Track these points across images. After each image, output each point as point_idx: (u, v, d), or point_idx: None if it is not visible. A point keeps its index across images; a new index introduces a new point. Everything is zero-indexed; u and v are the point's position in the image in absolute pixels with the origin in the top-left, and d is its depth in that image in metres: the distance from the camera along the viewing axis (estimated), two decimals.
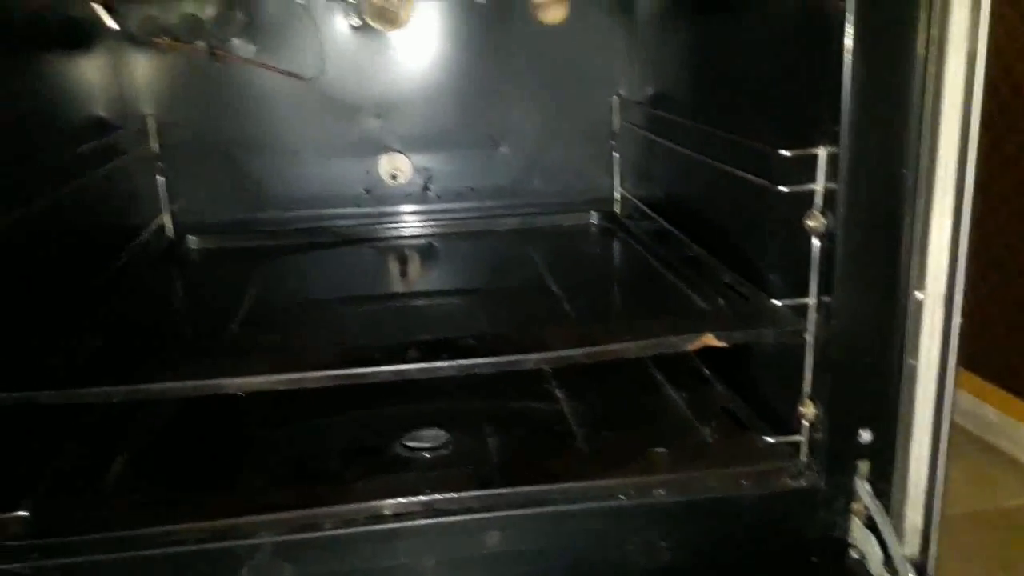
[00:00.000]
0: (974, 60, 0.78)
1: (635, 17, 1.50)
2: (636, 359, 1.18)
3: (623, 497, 0.90)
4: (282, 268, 1.43)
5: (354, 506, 0.88)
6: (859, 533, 0.91)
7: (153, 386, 0.90)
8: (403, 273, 1.45)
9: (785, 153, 0.86)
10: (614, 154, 1.59)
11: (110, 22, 1.32)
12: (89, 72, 1.34)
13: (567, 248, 1.50)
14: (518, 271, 1.39)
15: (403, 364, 0.89)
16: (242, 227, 1.55)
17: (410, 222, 1.59)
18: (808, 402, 0.91)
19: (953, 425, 0.89)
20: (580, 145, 1.59)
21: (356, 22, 1.44)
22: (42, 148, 1.11)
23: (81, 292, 1.16)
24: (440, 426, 1.06)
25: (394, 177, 1.55)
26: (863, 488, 0.90)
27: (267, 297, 1.27)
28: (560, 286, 1.26)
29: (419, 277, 1.44)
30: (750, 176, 0.96)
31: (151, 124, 1.49)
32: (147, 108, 1.48)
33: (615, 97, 1.57)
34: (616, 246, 1.48)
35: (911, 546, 0.92)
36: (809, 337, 0.90)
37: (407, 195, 1.59)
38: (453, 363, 0.89)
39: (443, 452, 1.02)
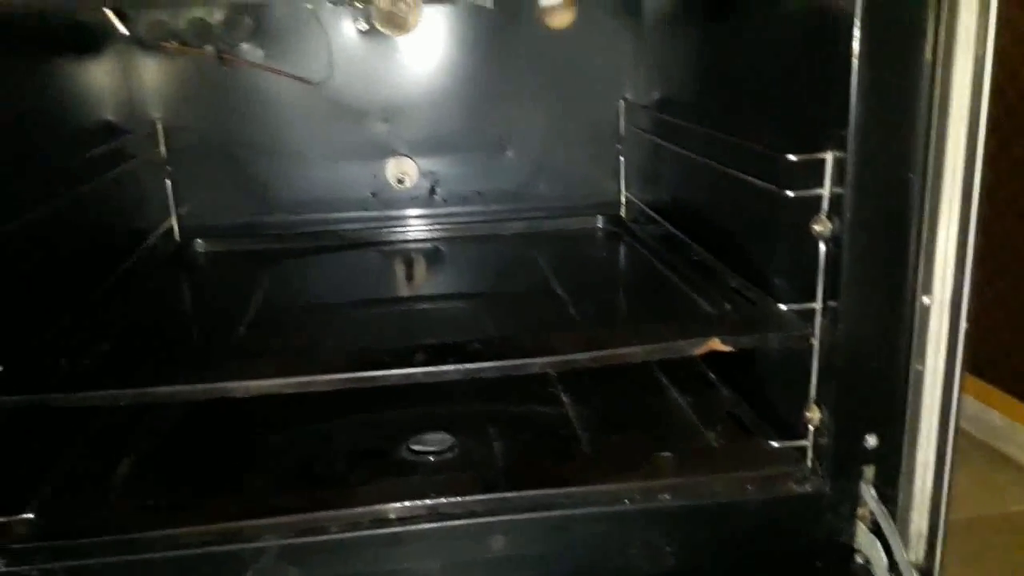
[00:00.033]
0: (982, 64, 0.78)
1: (641, 21, 1.50)
2: (641, 363, 1.18)
3: (628, 501, 0.90)
4: (289, 271, 1.44)
5: (359, 510, 0.88)
6: (864, 538, 0.91)
7: (160, 389, 0.90)
8: (409, 277, 1.45)
9: (792, 158, 0.86)
10: (620, 158, 1.59)
11: (122, 28, 1.32)
12: (98, 76, 1.34)
13: (573, 252, 1.50)
14: (524, 275, 1.39)
15: (410, 368, 0.89)
16: (249, 230, 1.55)
17: (416, 226, 1.59)
18: (814, 407, 0.91)
19: (958, 430, 0.89)
20: (586, 149, 1.59)
21: (363, 26, 1.45)
22: (52, 152, 1.12)
23: (89, 295, 1.16)
24: (445, 430, 1.06)
25: (401, 181, 1.56)
26: (868, 493, 0.90)
27: (274, 300, 1.28)
28: (566, 290, 1.26)
29: (425, 281, 1.44)
30: (756, 180, 0.96)
31: (159, 128, 1.49)
32: (156, 112, 1.49)
33: (621, 101, 1.57)
34: (622, 250, 1.48)
35: (916, 551, 0.92)
36: (815, 342, 0.89)
37: (413, 199, 1.59)
38: (460, 367, 0.89)
39: (448, 456, 1.02)
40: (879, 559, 0.89)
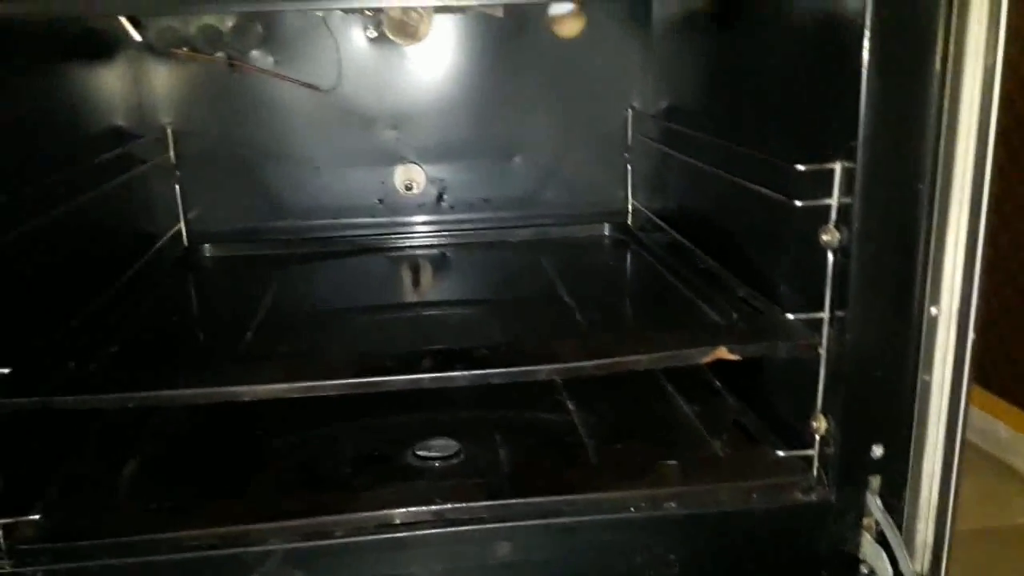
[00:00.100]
0: (991, 74, 0.78)
1: (650, 31, 1.51)
2: (647, 371, 1.18)
3: (633, 509, 0.90)
4: (296, 277, 1.44)
5: (364, 514, 0.88)
6: (870, 548, 0.91)
7: (168, 392, 0.91)
8: (416, 283, 1.45)
9: (801, 168, 0.86)
10: (627, 166, 1.60)
11: (136, 35, 1.33)
12: (109, 82, 1.35)
13: (579, 259, 1.50)
14: (531, 282, 1.39)
15: (417, 373, 0.89)
16: (257, 236, 1.56)
17: (424, 232, 1.59)
18: (820, 416, 0.90)
19: (965, 441, 0.89)
20: (594, 157, 1.60)
21: (373, 34, 1.45)
22: (63, 156, 1.12)
23: (97, 298, 1.16)
24: (451, 436, 1.06)
25: (409, 188, 1.56)
26: (874, 503, 0.90)
27: (281, 305, 1.28)
28: (572, 297, 1.26)
29: (432, 287, 1.44)
30: (765, 190, 0.96)
31: (169, 133, 1.50)
32: (166, 118, 1.49)
33: (629, 110, 1.57)
34: (629, 258, 1.49)
35: (922, 562, 0.92)
36: (823, 351, 0.89)
37: (421, 205, 1.60)
38: (467, 373, 0.89)
39: (454, 462, 1.02)
40: (884, 569, 0.89)
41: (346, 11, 1.39)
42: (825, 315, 0.88)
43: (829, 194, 0.84)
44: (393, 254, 1.56)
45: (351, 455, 1.04)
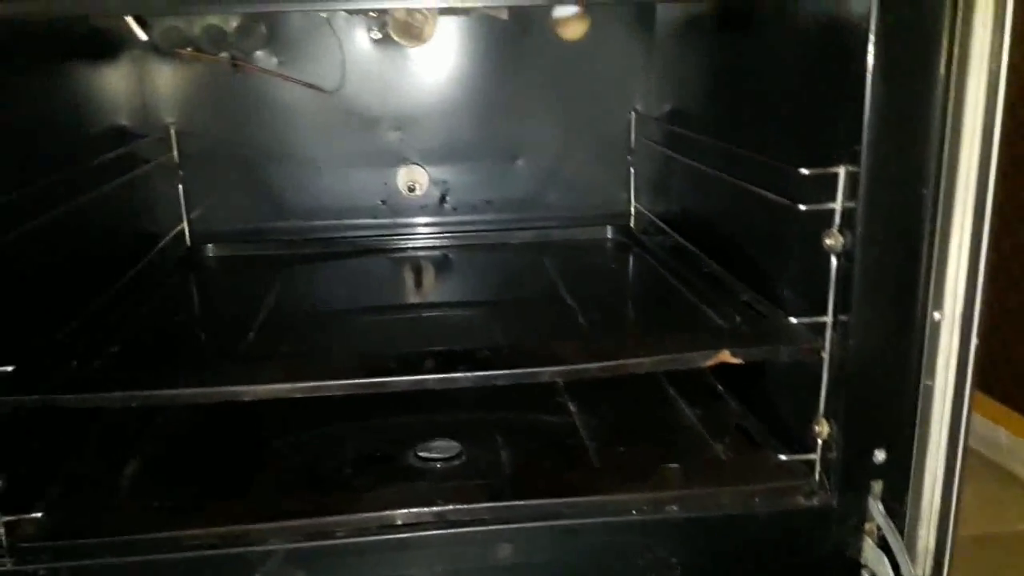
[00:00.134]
0: (996, 80, 0.78)
1: (653, 34, 1.51)
2: (649, 374, 1.18)
3: (635, 512, 0.90)
4: (299, 277, 1.44)
5: (366, 515, 0.88)
6: (871, 553, 0.91)
7: (170, 392, 0.91)
8: (418, 284, 1.45)
9: (805, 172, 0.86)
10: (630, 169, 1.60)
11: (142, 34, 1.33)
12: (113, 82, 1.35)
13: (582, 262, 1.50)
14: (533, 284, 1.40)
15: (420, 374, 0.89)
16: (259, 236, 1.56)
17: (426, 234, 1.60)
18: (823, 420, 0.90)
19: (968, 447, 0.89)
20: (597, 160, 1.60)
21: (377, 35, 1.45)
22: (66, 155, 1.12)
23: (100, 297, 1.16)
24: (452, 437, 1.06)
25: (411, 189, 1.56)
26: (876, 508, 0.90)
27: (284, 306, 1.28)
28: (575, 299, 1.26)
29: (434, 288, 1.44)
30: (768, 193, 0.96)
31: (172, 133, 1.50)
32: (169, 117, 1.50)
33: (632, 113, 1.57)
34: (631, 261, 1.49)
35: (923, 568, 0.92)
36: (825, 355, 0.89)
37: (423, 207, 1.60)
38: (469, 375, 0.89)
39: (455, 463, 1.02)
40: (886, 574, 0.89)
41: (351, 12, 1.39)
42: (828, 319, 0.88)
43: (833, 198, 0.84)
44: (395, 255, 1.56)
45: (352, 456, 1.04)
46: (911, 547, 0.91)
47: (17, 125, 1.01)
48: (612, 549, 0.90)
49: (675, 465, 0.96)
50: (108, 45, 1.35)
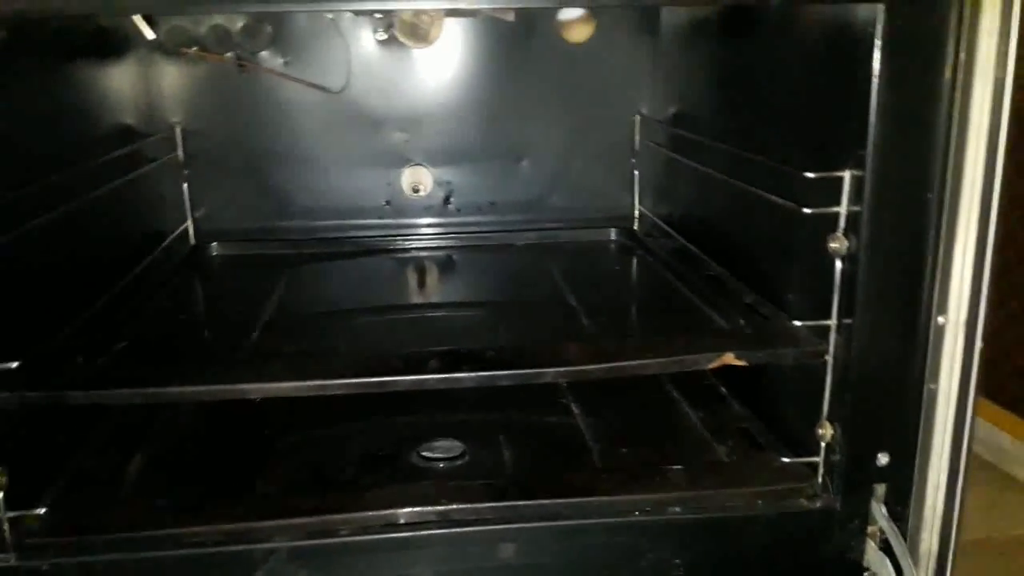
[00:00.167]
0: (1001, 86, 0.78)
1: (659, 37, 1.51)
2: (652, 376, 1.19)
3: (638, 513, 0.90)
4: (303, 277, 1.44)
5: (369, 514, 0.88)
6: (874, 556, 0.91)
7: (176, 389, 0.91)
8: (422, 285, 1.45)
9: (810, 175, 0.86)
10: (634, 172, 1.60)
11: (150, 33, 1.34)
12: (119, 81, 1.36)
13: (586, 264, 1.50)
14: (537, 285, 1.40)
15: (425, 374, 0.89)
16: (264, 235, 1.56)
17: (430, 234, 1.60)
18: (826, 423, 0.91)
19: (971, 451, 0.89)
20: (601, 162, 1.60)
21: (382, 36, 1.45)
22: (72, 154, 1.12)
23: (105, 295, 1.17)
24: (456, 437, 1.06)
25: (416, 190, 1.56)
26: (879, 511, 0.90)
27: (288, 305, 1.28)
28: (579, 301, 1.26)
29: (438, 289, 1.44)
30: (773, 197, 0.96)
31: (178, 132, 1.50)
32: (174, 117, 1.50)
33: (637, 115, 1.57)
34: (635, 263, 1.49)
35: (926, 571, 0.92)
36: (829, 359, 0.90)
37: (427, 208, 1.60)
38: (474, 375, 0.89)
39: (458, 463, 1.03)
40: None
41: (357, 13, 1.39)
42: (832, 322, 0.88)
43: (838, 202, 0.85)
44: (399, 256, 1.56)
45: (356, 455, 1.05)
46: (914, 550, 0.91)
47: (25, 123, 1.02)
48: (615, 550, 0.91)
49: (678, 467, 0.96)
50: (114, 44, 1.35)
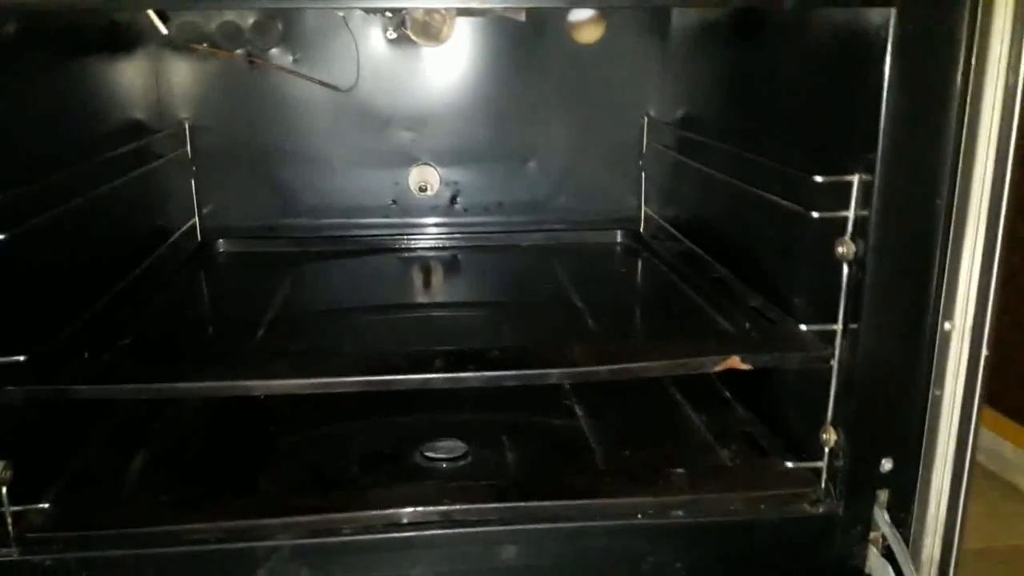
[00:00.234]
0: (1012, 93, 0.78)
1: (668, 39, 1.51)
2: (656, 379, 1.18)
3: (640, 516, 0.90)
4: (309, 275, 1.44)
5: (372, 513, 0.88)
6: (876, 562, 0.91)
7: (183, 385, 0.91)
8: (427, 284, 1.45)
9: (819, 179, 0.86)
10: (642, 174, 1.60)
11: (163, 28, 1.34)
12: (130, 76, 1.36)
13: (591, 265, 1.50)
14: (542, 286, 1.39)
15: (430, 373, 0.89)
16: (270, 233, 1.56)
17: (436, 234, 1.60)
18: (830, 428, 0.90)
19: (975, 458, 0.89)
20: (608, 164, 1.60)
21: (393, 35, 1.46)
22: (82, 149, 1.13)
23: (111, 290, 1.17)
24: (459, 437, 1.06)
25: (423, 189, 1.56)
26: (882, 517, 0.90)
27: (293, 303, 1.28)
28: (584, 302, 1.26)
29: (443, 289, 1.44)
30: (781, 200, 0.96)
31: (186, 128, 1.50)
32: (183, 113, 1.50)
33: (644, 117, 1.57)
34: (641, 265, 1.48)
35: None
36: (834, 363, 0.89)
37: (434, 207, 1.60)
38: (479, 374, 0.89)
39: (461, 463, 1.03)
40: None
41: (368, 11, 1.39)
42: (838, 327, 0.88)
43: (846, 206, 0.84)
44: (405, 255, 1.56)
45: (359, 454, 1.05)
46: (916, 557, 0.91)
47: (36, 118, 1.02)
48: (617, 553, 0.91)
49: (681, 470, 0.96)
50: (125, 39, 1.35)
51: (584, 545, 0.90)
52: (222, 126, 1.51)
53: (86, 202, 1.08)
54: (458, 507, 0.89)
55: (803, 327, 0.94)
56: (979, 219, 0.82)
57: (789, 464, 0.97)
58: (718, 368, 0.91)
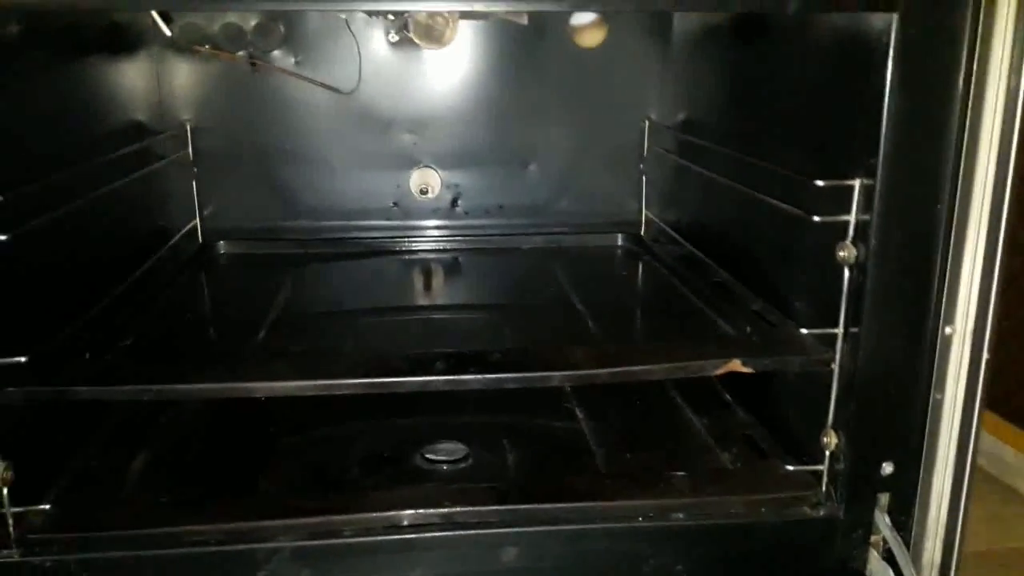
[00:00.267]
0: (1014, 97, 0.78)
1: (669, 43, 1.51)
2: (656, 382, 1.18)
3: (641, 519, 0.90)
4: (310, 277, 1.45)
5: (373, 515, 0.88)
6: (877, 565, 0.91)
7: (184, 387, 0.91)
8: (428, 287, 1.45)
9: (820, 184, 0.86)
10: (642, 177, 1.60)
11: (166, 30, 1.34)
12: (132, 77, 1.36)
13: (592, 269, 1.50)
14: (543, 289, 1.40)
15: (431, 375, 0.89)
16: (272, 235, 1.56)
17: (437, 237, 1.60)
18: (831, 432, 0.90)
19: (976, 462, 0.89)
20: (609, 167, 1.60)
21: (395, 38, 1.46)
22: (83, 150, 1.13)
23: (113, 292, 1.17)
24: (459, 439, 1.06)
25: (424, 192, 1.57)
26: (883, 520, 0.90)
27: (294, 305, 1.28)
28: (585, 306, 1.26)
29: (444, 291, 1.44)
30: (782, 204, 0.96)
31: (188, 130, 1.50)
32: (185, 114, 1.50)
33: (646, 121, 1.57)
34: (641, 269, 1.49)
35: None
36: (835, 367, 0.89)
37: (435, 210, 1.60)
38: (480, 377, 0.89)
39: (462, 465, 1.03)
40: None
41: (370, 14, 1.39)
42: (839, 331, 0.88)
43: (847, 210, 0.84)
44: (406, 257, 1.56)
45: (360, 456, 1.05)
46: (916, 560, 0.91)
47: (37, 118, 1.02)
48: (617, 555, 0.90)
49: (682, 473, 0.96)
50: (127, 40, 1.35)
51: (585, 548, 0.90)
52: (224, 128, 1.51)
53: (87, 203, 1.08)
54: (459, 509, 0.89)
55: (804, 331, 0.94)
56: (980, 223, 0.82)
57: (790, 467, 0.97)
58: (719, 371, 0.91)
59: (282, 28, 1.44)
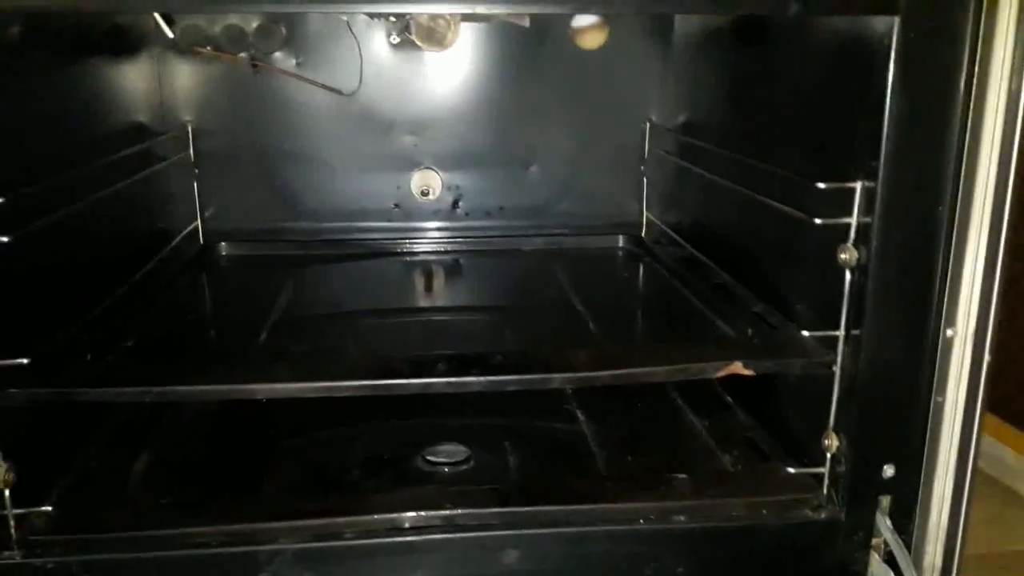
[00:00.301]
0: (1016, 100, 0.78)
1: (670, 45, 1.51)
2: (658, 384, 1.18)
3: (642, 521, 0.90)
4: (311, 278, 1.45)
5: (374, 517, 0.88)
6: (878, 568, 0.91)
7: (185, 388, 0.91)
8: (429, 288, 1.45)
9: (821, 186, 0.86)
10: (644, 179, 1.60)
11: (168, 32, 1.34)
12: (133, 78, 1.36)
13: (593, 270, 1.50)
14: (544, 291, 1.40)
15: (432, 377, 0.89)
16: (273, 236, 1.56)
17: (438, 238, 1.60)
18: (832, 434, 0.90)
19: (977, 464, 0.89)
20: (610, 169, 1.60)
21: (396, 40, 1.46)
22: (85, 151, 1.13)
23: (114, 293, 1.17)
24: (460, 441, 1.06)
25: (425, 193, 1.57)
26: (884, 523, 0.90)
27: (296, 306, 1.29)
28: (586, 307, 1.26)
29: (445, 293, 1.44)
30: (783, 207, 0.96)
31: (189, 131, 1.50)
32: (186, 115, 1.50)
33: (647, 123, 1.57)
34: (642, 270, 1.49)
35: None
36: (837, 369, 0.89)
37: (436, 212, 1.60)
38: (481, 379, 0.89)
39: (463, 467, 1.03)
40: None
41: (372, 16, 1.39)
42: (840, 333, 0.88)
43: (849, 213, 0.84)
44: (407, 259, 1.56)
45: (361, 458, 1.05)
46: (918, 563, 0.91)
47: (38, 120, 1.02)
48: (618, 558, 0.90)
49: (683, 475, 0.96)
50: (128, 42, 1.36)
51: (586, 550, 0.90)
52: (225, 129, 1.51)
53: (88, 204, 1.08)
54: (460, 511, 0.89)
55: (805, 333, 0.94)
56: (981, 225, 0.82)
57: (791, 470, 0.97)
58: (720, 374, 0.91)
59: (284, 30, 1.44)
